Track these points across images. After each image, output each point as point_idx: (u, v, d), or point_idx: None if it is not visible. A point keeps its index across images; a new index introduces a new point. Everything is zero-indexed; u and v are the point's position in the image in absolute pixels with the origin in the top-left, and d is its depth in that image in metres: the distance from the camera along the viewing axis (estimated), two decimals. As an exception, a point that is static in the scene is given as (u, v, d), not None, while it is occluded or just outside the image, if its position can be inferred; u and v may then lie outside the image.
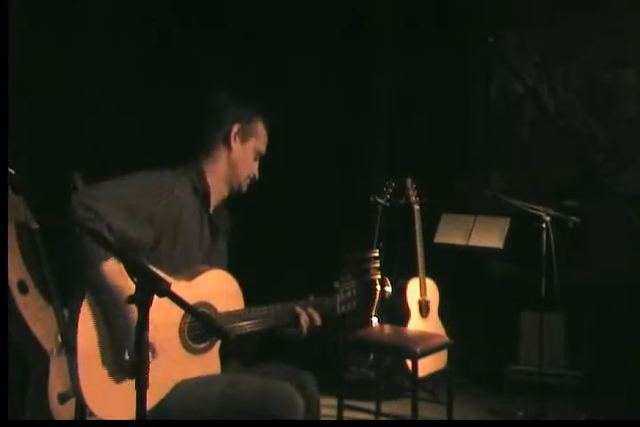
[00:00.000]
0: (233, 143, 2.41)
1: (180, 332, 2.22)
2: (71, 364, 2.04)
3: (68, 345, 2.07)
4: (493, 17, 4.99)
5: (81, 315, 2.05)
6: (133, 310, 1.71)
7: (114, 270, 2.06)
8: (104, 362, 2.08)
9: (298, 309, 2.42)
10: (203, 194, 2.38)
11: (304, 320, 2.42)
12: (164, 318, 2.13)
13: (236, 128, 2.40)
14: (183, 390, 2.19)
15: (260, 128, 2.47)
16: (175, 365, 2.18)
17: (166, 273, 2.16)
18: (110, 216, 2.10)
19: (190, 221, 2.32)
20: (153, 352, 2.11)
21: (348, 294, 2.63)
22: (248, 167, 2.45)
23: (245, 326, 2.33)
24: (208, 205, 2.40)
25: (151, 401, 2.09)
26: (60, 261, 2.78)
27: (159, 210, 2.22)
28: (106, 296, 2.08)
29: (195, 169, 2.39)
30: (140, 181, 2.27)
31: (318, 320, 2.45)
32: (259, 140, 2.46)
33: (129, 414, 1.96)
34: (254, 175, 2.48)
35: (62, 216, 2.08)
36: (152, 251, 2.22)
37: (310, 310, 2.45)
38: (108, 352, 2.09)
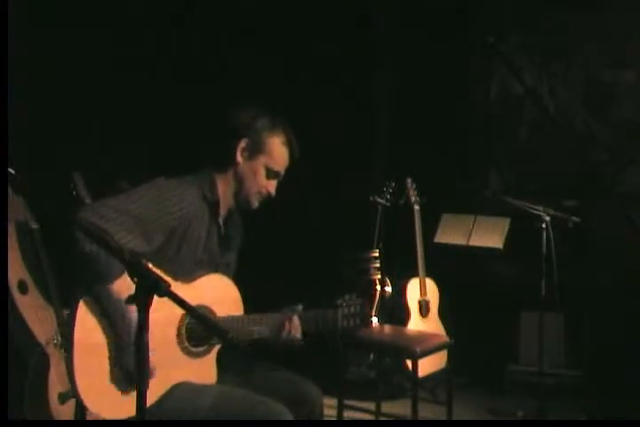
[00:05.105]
0: (239, 158, 2.33)
1: (177, 333, 2.21)
2: (68, 362, 2.04)
3: (66, 343, 2.07)
4: (493, 17, 4.99)
5: (78, 314, 2.05)
6: (133, 310, 1.71)
7: (123, 289, 2.02)
8: (101, 361, 2.07)
9: (286, 323, 2.34)
10: (213, 203, 2.33)
11: (286, 331, 2.34)
12: (161, 319, 2.12)
13: (243, 143, 2.33)
14: (178, 395, 2.17)
15: (274, 145, 2.35)
16: (171, 366, 2.16)
17: (165, 275, 2.15)
18: (120, 235, 2.06)
19: (197, 230, 2.27)
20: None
21: (352, 309, 2.53)
22: (257, 184, 2.35)
23: (245, 332, 2.29)
24: (217, 214, 2.36)
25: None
26: (60, 261, 2.79)
27: (170, 223, 2.19)
28: (112, 310, 2.07)
29: (206, 177, 2.33)
30: (149, 194, 2.18)
31: (298, 335, 2.36)
32: (270, 157, 2.35)
33: (125, 410, 1.97)
34: (268, 193, 2.38)
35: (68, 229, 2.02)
36: (153, 255, 2.18)
37: (295, 321, 2.35)
38: (105, 351, 2.08)
